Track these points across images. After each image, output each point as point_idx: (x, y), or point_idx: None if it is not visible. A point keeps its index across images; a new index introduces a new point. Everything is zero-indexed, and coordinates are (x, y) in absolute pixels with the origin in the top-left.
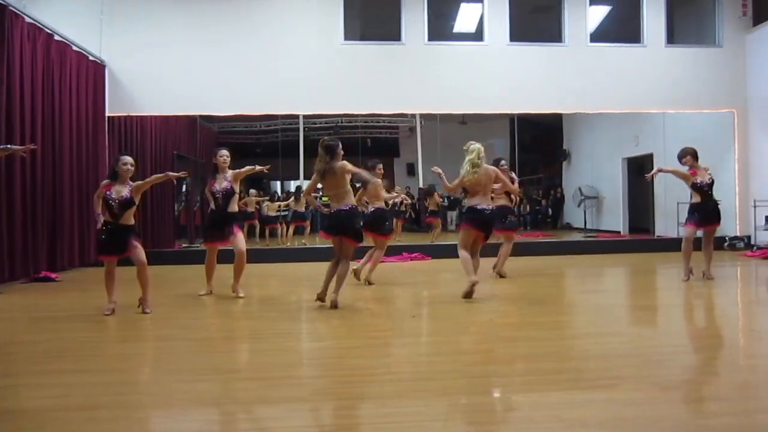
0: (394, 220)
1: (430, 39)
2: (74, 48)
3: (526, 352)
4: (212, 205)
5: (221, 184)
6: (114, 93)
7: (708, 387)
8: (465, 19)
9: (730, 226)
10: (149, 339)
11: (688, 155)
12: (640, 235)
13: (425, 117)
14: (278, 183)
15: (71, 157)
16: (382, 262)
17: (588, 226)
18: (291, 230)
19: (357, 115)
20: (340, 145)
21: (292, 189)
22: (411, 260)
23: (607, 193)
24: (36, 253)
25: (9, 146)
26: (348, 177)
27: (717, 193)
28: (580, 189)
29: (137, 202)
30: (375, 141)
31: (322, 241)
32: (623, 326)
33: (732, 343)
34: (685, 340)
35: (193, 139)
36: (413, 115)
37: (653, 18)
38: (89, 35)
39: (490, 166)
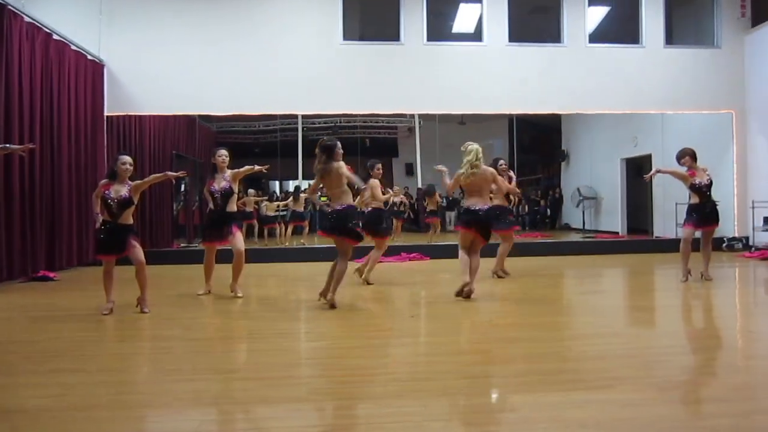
0: (394, 221)
1: (429, 39)
2: (73, 47)
3: (525, 352)
4: (211, 205)
5: (220, 183)
6: (113, 92)
7: (706, 388)
8: (464, 20)
9: (728, 226)
10: (147, 339)
11: (687, 156)
12: (639, 236)
13: (424, 117)
14: (277, 183)
15: (70, 156)
16: (381, 262)
17: (586, 227)
18: (289, 230)
19: (356, 115)
20: (339, 145)
21: (291, 189)
22: (410, 260)
23: (606, 194)
24: (34, 253)
25: (8, 145)
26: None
27: (715, 194)
28: (578, 189)
29: (136, 202)
30: (374, 141)
31: (320, 241)
32: (621, 327)
33: (730, 344)
34: (683, 341)
35: (191, 139)
36: (412, 116)
37: (652, 19)
38: (88, 35)
39: (489, 167)
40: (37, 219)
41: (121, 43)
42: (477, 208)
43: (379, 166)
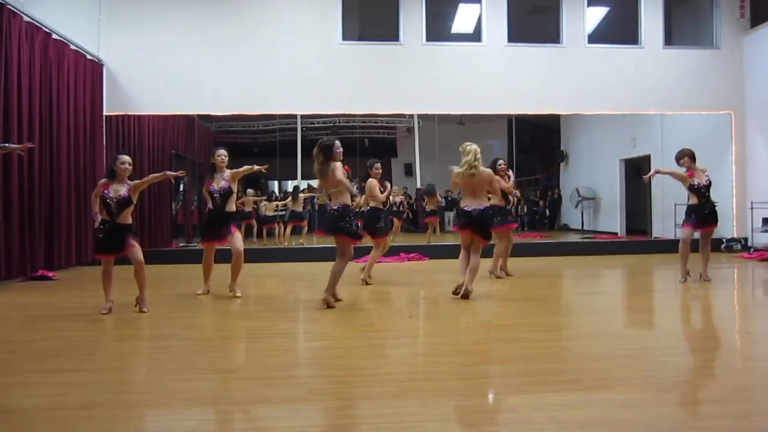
0: (394, 221)
1: (428, 39)
2: (72, 47)
3: (524, 353)
4: (210, 205)
5: (219, 183)
6: (112, 92)
7: (705, 389)
8: (463, 20)
9: (727, 227)
10: (146, 338)
11: (686, 157)
12: (638, 237)
13: (423, 117)
14: (276, 183)
15: (69, 156)
16: (379, 262)
17: (585, 228)
18: (288, 230)
19: (355, 116)
20: (337, 144)
21: (290, 189)
22: (408, 260)
23: (605, 195)
24: (33, 252)
25: (7, 145)
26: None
27: (714, 195)
28: (577, 190)
29: (135, 201)
30: (373, 141)
31: (319, 241)
32: (620, 328)
33: (729, 345)
34: (681, 342)
35: (190, 139)
36: (411, 116)
37: (651, 19)
38: (87, 34)
39: (486, 169)
40: (36, 218)
41: (120, 42)
42: (471, 209)
43: (378, 165)
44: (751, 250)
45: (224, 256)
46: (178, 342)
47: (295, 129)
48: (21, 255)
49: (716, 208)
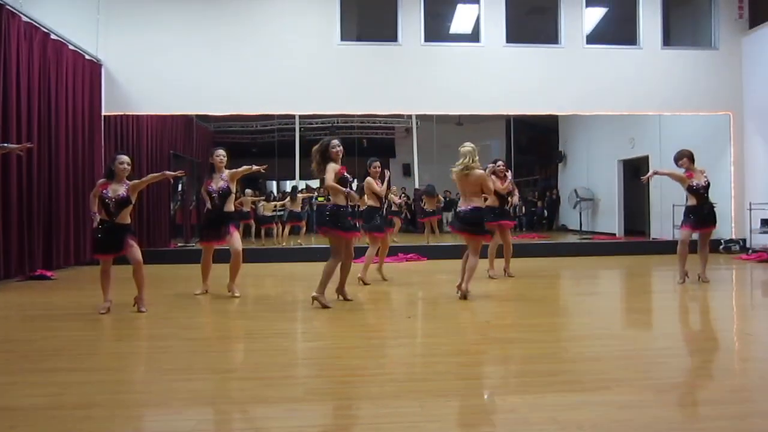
0: (394, 220)
1: (426, 40)
2: (71, 47)
3: (522, 353)
4: (208, 205)
5: (218, 183)
6: (110, 92)
7: (703, 390)
8: (461, 20)
9: (725, 228)
10: (145, 338)
11: (685, 158)
12: (636, 238)
13: (421, 118)
14: (274, 183)
15: (67, 155)
16: (376, 262)
17: (583, 228)
18: (287, 230)
19: (353, 116)
20: (332, 143)
21: (288, 189)
22: (407, 261)
23: (603, 195)
24: (32, 252)
25: (5, 145)
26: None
27: (712, 196)
28: (575, 191)
29: (134, 201)
30: (371, 141)
31: (317, 241)
32: (618, 329)
33: (727, 347)
34: (680, 343)
35: (189, 139)
36: (409, 116)
37: (649, 20)
38: (86, 34)
39: (478, 171)
40: (35, 218)
41: (118, 43)
42: (461, 209)
43: (377, 164)
44: (750, 251)
45: (223, 256)
46: (177, 342)
47: (294, 129)
48: (20, 254)
49: (715, 209)
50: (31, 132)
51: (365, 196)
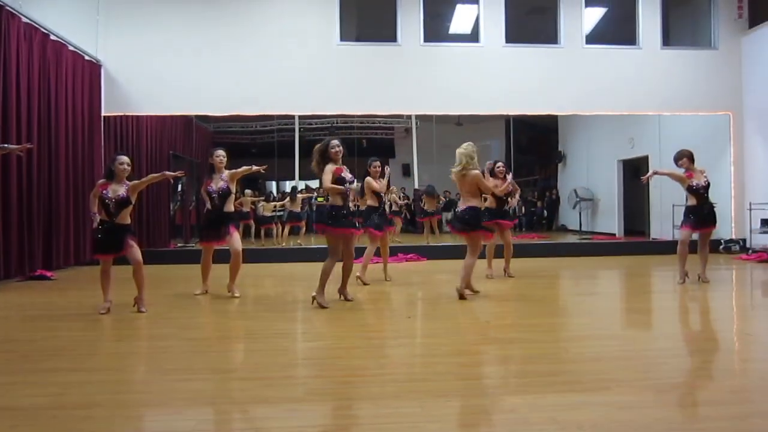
0: (394, 219)
1: (425, 40)
2: (70, 48)
3: (522, 353)
4: (208, 205)
5: (217, 184)
6: (110, 93)
7: (703, 391)
8: (461, 21)
9: (725, 229)
10: (145, 338)
11: (685, 158)
12: (636, 238)
13: (421, 118)
14: (274, 183)
15: (67, 156)
16: (376, 262)
17: (583, 228)
18: (286, 230)
19: (353, 116)
20: (332, 144)
21: (288, 189)
22: (407, 261)
23: (603, 195)
24: (32, 252)
25: (6, 145)
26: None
27: (712, 196)
28: (575, 191)
29: (134, 202)
30: (371, 142)
31: (317, 242)
32: (618, 329)
33: (727, 347)
34: (680, 344)
35: (188, 139)
36: (409, 116)
37: (649, 20)
38: (85, 35)
39: (473, 171)
40: (35, 218)
41: (118, 43)
42: (458, 209)
43: (377, 163)
44: (750, 251)
45: (223, 257)
46: (177, 342)
47: (293, 130)
48: (20, 255)
49: (715, 209)
50: (30, 132)
51: (366, 196)
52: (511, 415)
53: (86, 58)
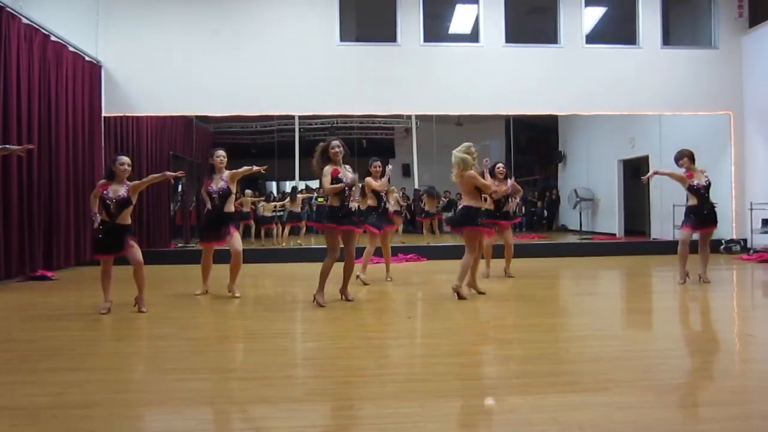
0: (395, 218)
1: (425, 40)
2: (70, 48)
3: (522, 354)
4: (209, 206)
5: (218, 184)
6: (110, 93)
7: (703, 391)
8: (460, 21)
9: (726, 229)
10: (145, 338)
11: (685, 157)
12: (636, 238)
13: (421, 118)
14: (274, 183)
15: (67, 156)
16: (377, 262)
17: (583, 228)
18: (286, 230)
19: (353, 116)
20: (332, 144)
21: (288, 189)
22: (407, 261)
23: (603, 195)
24: (32, 252)
25: (7, 146)
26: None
27: (713, 196)
28: (575, 191)
29: (134, 202)
30: (370, 142)
31: (317, 242)
32: (619, 329)
33: (728, 348)
34: (680, 344)
35: (189, 140)
36: (409, 117)
37: (649, 19)
38: (86, 36)
39: (469, 171)
40: (35, 219)
41: (118, 44)
42: (457, 209)
43: (378, 163)
44: (750, 251)
45: (223, 257)
46: (177, 342)
47: (293, 130)
48: (20, 255)
49: (715, 209)
50: (31, 133)
51: (366, 196)
52: (512, 415)
53: (86, 58)
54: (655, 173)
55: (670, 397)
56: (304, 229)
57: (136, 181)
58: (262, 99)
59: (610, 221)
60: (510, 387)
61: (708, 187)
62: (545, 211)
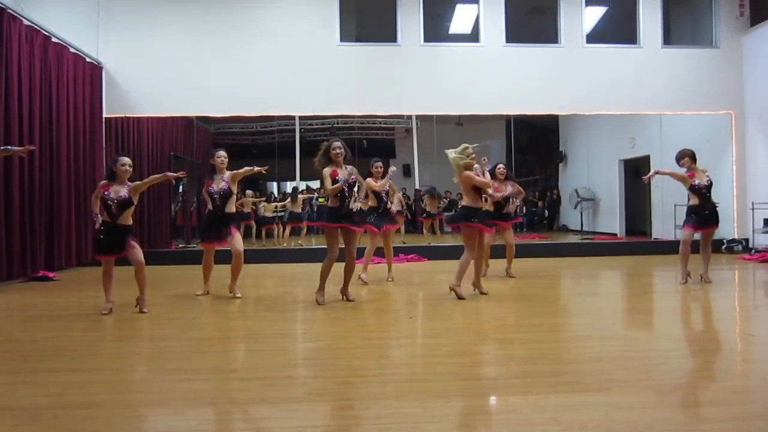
0: (396, 218)
1: (425, 40)
2: (71, 50)
3: (523, 354)
4: (210, 206)
5: (219, 184)
6: (111, 94)
7: (705, 392)
8: (461, 21)
9: (727, 228)
10: (146, 338)
11: (686, 157)
12: (637, 238)
13: (421, 118)
14: (274, 184)
15: (69, 157)
16: (377, 262)
17: (584, 228)
18: (287, 231)
19: (353, 117)
20: (333, 146)
21: (289, 190)
22: (407, 261)
23: (604, 195)
24: (34, 253)
25: (8, 147)
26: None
27: (714, 196)
28: (576, 191)
29: (135, 202)
30: (371, 142)
31: (318, 242)
32: (620, 329)
33: (729, 348)
34: (682, 344)
35: (189, 140)
36: (409, 117)
37: (649, 19)
38: (86, 37)
39: (466, 172)
40: (37, 219)
41: (119, 45)
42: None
43: (379, 164)
44: (752, 251)
45: (224, 257)
46: (178, 342)
47: (294, 130)
48: (22, 256)
49: (717, 208)
50: (32, 134)
51: (367, 198)
52: (513, 415)
53: (87, 60)
54: (656, 173)
55: (671, 397)
56: (305, 230)
57: (137, 182)
58: (263, 99)
59: (611, 221)
60: (511, 387)
61: (709, 186)
62: (546, 211)
